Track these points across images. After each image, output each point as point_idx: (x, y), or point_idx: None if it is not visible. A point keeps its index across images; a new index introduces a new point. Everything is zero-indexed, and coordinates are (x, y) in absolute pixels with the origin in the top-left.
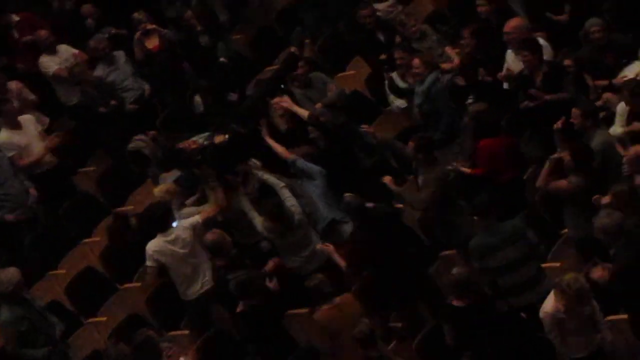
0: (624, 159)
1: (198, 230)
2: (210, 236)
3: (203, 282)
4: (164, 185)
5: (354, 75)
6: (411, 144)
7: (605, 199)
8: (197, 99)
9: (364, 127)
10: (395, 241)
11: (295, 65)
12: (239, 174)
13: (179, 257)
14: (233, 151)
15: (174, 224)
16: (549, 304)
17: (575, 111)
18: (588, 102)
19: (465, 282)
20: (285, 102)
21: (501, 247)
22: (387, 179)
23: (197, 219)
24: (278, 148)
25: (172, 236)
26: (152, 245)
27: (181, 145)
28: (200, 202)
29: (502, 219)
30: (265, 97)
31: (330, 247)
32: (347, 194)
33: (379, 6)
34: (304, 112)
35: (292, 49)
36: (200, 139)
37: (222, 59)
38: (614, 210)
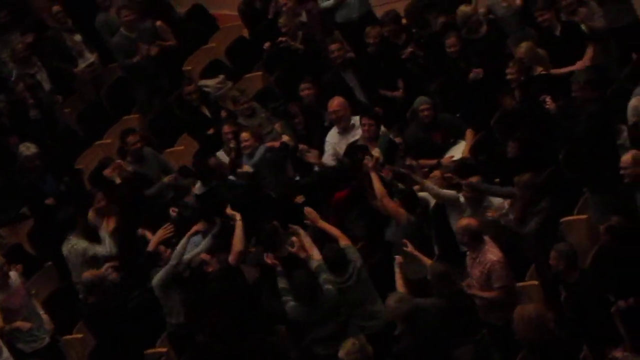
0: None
1: None
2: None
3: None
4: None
5: (183, 151)
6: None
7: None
8: None
9: None
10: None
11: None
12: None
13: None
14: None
15: None
16: None
17: None
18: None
19: None
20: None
21: (320, 321)
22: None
23: None
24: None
25: None
26: None
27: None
28: None
29: None
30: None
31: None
32: None
33: (208, 82)
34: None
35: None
36: None
37: None
38: (403, 295)
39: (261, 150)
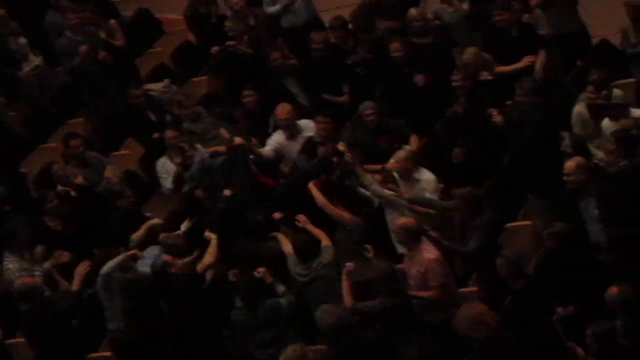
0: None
1: None
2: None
3: None
4: None
5: (128, 155)
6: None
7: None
8: None
9: None
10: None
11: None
12: None
13: None
14: None
15: None
16: None
17: None
18: None
19: None
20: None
21: (259, 327)
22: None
23: None
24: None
25: None
26: None
27: None
28: None
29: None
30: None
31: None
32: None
33: (153, 86)
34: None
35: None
36: None
37: None
38: (333, 307)
39: (197, 157)
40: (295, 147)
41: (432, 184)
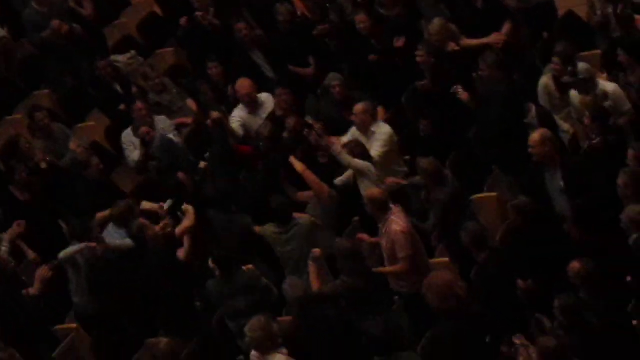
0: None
1: None
2: None
3: None
4: None
5: (94, 127)
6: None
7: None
8: None
9: None
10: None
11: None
12: None
13: None
14: None
15: None
16: None
17: None
18: None
19: None
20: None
21: (234, 295)
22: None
23: None
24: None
25: None
26: None
27: None
28: None
29: None
30: None
31: None
32: None
33: (119, 58)
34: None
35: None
36: None
37: None
38: (294, 281)
39: (157, 137)
40: (257, 121)
41: (386, 136)
